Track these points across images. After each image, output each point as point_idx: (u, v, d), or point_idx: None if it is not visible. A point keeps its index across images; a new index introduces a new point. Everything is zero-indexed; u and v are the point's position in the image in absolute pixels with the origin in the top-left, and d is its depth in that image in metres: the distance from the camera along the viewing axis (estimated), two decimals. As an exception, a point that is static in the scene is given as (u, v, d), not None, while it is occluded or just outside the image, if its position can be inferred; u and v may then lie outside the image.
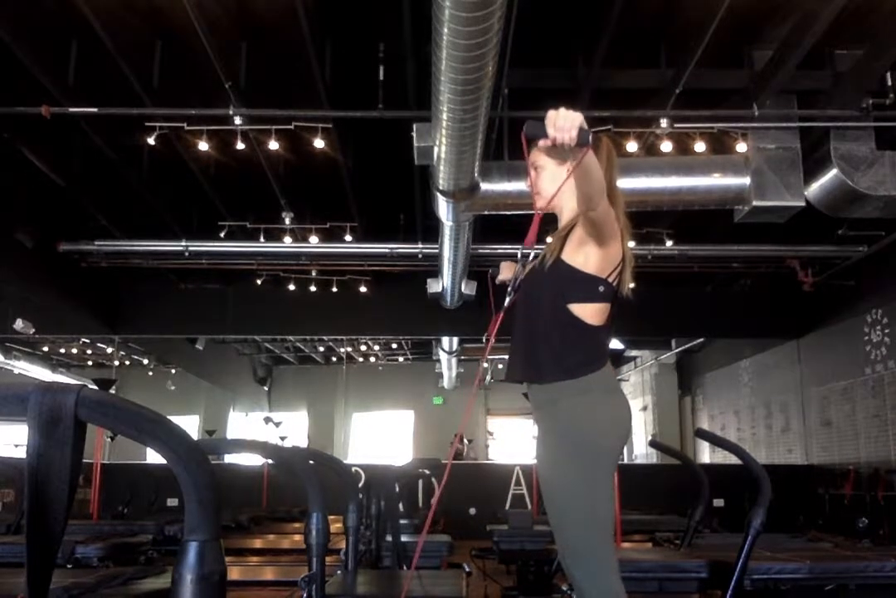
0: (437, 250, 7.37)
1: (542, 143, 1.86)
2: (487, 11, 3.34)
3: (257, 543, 5.70)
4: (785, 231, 6.90)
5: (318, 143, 5.78)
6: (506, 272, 2.50)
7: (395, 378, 15.83)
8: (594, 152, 2.29)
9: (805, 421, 10.12)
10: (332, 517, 2.30)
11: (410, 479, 6.28)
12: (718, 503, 8.04)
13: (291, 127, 5.63)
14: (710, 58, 4.92)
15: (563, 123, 1.79)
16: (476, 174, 5.32)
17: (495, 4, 3.33)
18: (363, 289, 9.51)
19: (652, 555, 3.89)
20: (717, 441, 3.89)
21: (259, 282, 9.41)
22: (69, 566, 3.77)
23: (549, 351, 2.21)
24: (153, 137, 5.75)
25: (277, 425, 10.72)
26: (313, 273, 9.19)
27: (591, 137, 1.81)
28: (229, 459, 10.14)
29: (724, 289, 10.14)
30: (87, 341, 12.22)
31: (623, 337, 12.14)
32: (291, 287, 9.49)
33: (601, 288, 2.20)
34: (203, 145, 5.88)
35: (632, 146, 5.69)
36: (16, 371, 12.10)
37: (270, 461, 5.37)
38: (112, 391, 8.08)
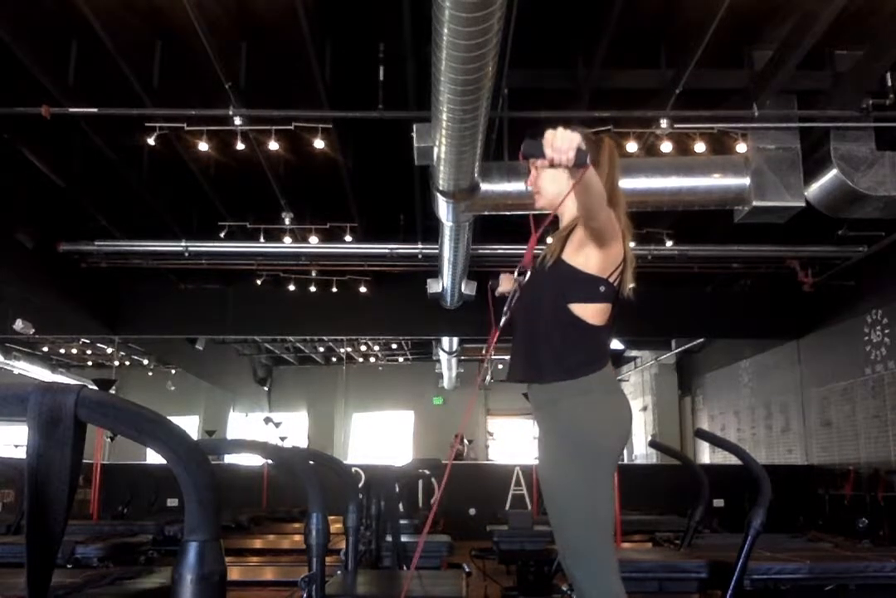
0: (437, 251, 7.37)
1: (539, 163, 1.86)
2: (487, 12, 3.34)
3: (257, 543, 5.70)
4: (785, 231, 6.91)
5: (318, 143, 5.78)
6: (505, 284, 2.50)
7: (395, 378, 15.83)
8: (597, 153, 2.30)
9: (805, 421, 10.12)
10: (332, 517, 2.30)
11: (410, 479, 6.28)
12: (718, 503, 8.04)
13: (291, 127, 5.63)
14: (710, 58, 4.91)
15: (561, 144, 1.79)
16: (476, 175, 5.31)
17: (495, 5, 3.33)
18: (363, 289, 9.51)
19: (652, 555, 3.90)
20: (716, 442, 3.89)
21: (259, 282, 9.40)
22: (69, 566, 3.77)
23: (549, 351, 2.21)
24: (153, 138, 5.75)
25: (277, 425, 10.71)
26: (313, 273, 9.19)
27: (588, 158, 1.81)
28: (229, 459, 10.13)
29: (724, 289, 10.14)
30: (87, 341, 12.21)
31: (623, 337, 12.14)
32: (291, 287, 9.49)
33: (602, 288, 2.20)
34: (203, 146, 5.88)
35: (632, 147, 5.69)
36: (16, 372, 12.10)
37: (270, 462, 5.37)
38: (112, 392, 8.08)
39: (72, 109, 5.16)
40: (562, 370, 2.18)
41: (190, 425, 13.45)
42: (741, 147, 5.65)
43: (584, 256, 2.18)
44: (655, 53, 5.48)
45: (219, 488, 0.95)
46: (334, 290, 9.49)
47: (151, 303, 9.93)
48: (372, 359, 15.79)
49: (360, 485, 6.32)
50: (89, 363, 13.59)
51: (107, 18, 4.74)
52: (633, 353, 15.41)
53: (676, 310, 9.96)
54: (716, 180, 5.61)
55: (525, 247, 2.29)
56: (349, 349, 14.87)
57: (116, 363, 12.22)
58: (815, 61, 5.20)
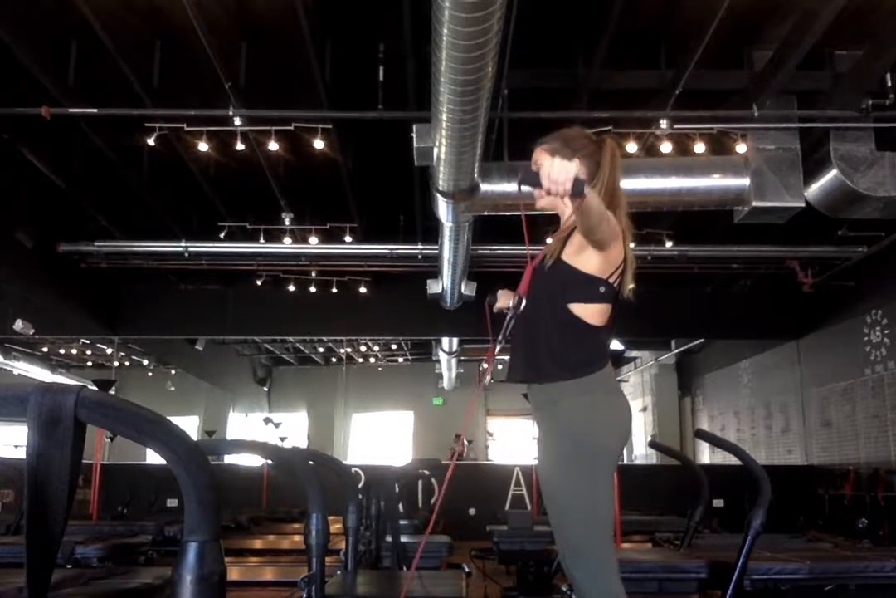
0: (436, 251, 7.37)
1: (536, 193, 1.88)
2: (487, 12, 3.34)
3: (257, 543, 5.70)
4: (785, 232, 6.91)
5: (318, 143, 5.77)
6: (503, 300, 2.49)
7: (395, 379, 15.82)
8: (598, 153, 2.30)
9: (805, 422, 10.12)
10: (331, 517, 2.30)
11: (410, 480, 6.28)
12: (718, 503, 8.03)
13: (291, 128, 5.63)
14: (710, 58, 4.91)
15: (557, 175, 1.80)
16: (476, 175, 5.31)
17: (495, 5, 3.33)
18: (363, 290, 9.51)
19: (652, 556, 3.90)
20: (716, 442, 3.90)
21: (259, 283, 9.40)
22: (69, 566, 3.76)
23: (549, 351, 2.21)
24: (153, 138, 5.75)
25: (277, 425, 10.71)
26: (313, 274, 9.19)
27: (585, 188, 1.82)
28: (229, 459, 10.13)
29: (723, 290, 10.13)
30: (87, 341, 12.21)
31: (623, 338, 12.14)
32: (291, 288, 9.49)
33: (602, 289, 2.20)
34: (203, 146, 5.88)
35: (631, 147, 5.68)
36: (15, 372, 12.09)
37: (270, 462, 5.37)
38: (112, 392, 8.08)
39: (72, 110, 5.16)
40: (561, 371, 2.19)
41: (190, 425, 13.44)
42: (741, 147, 5.65)
43: (585, 257, 2.18)
44: (655, 54, 5.47)
45: (218, 488, 0.95)
46: (334, 290, 9.49)
47: (151, 303, 9.93)
48: (372, 359, 15.79)
49: (360, 485, 6.33)
50: (89, 364, 13.58)
51: (106, 18, 4.74)
52: (633, 353, 15.41)
53: (676, 310, 9.96)
54: (715, 181, 5.61)
55: (523, 247, 2.29)
56: (349, 350, 14.87)
57: (116, 364, 12.22)
58: (815, 61, 5.19)
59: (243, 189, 7.31)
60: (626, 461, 13.16)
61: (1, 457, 8.52)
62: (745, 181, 5.58)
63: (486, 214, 6.09)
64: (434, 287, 8.66)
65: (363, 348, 14.95)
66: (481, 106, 4.24)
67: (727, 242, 7.91)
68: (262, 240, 7.88)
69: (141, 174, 6.79)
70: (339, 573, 3.04)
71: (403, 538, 3.82)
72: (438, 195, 5.54)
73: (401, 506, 4.67)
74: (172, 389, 13.80)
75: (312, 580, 2.20)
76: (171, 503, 8.23)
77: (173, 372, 13.92)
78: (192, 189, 7.12)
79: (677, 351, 13.65)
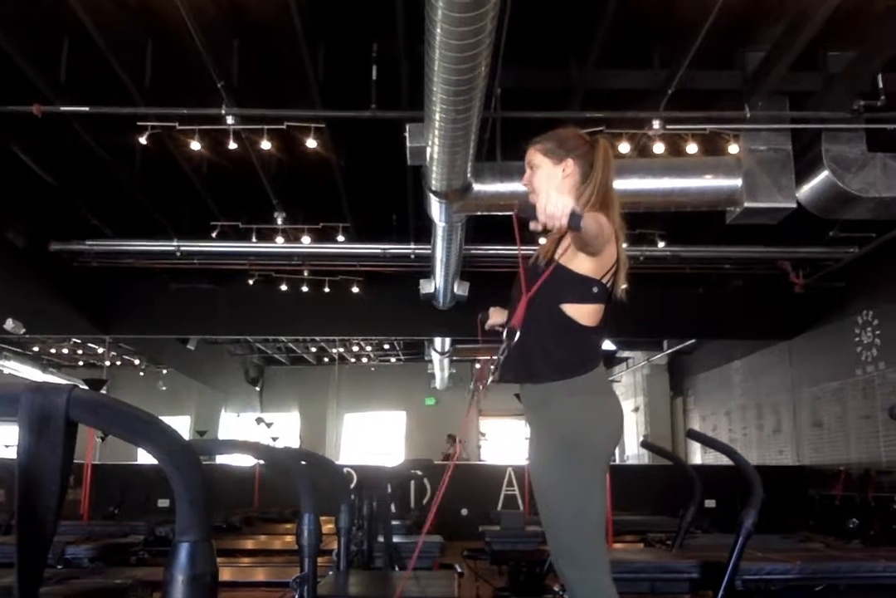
0: (429, 251, 7.37)
1: (532, 225, 1.88)
2: (480, 12, 3.34)
3: (249, 544, 5.69)
4: (776, 233, 6.92)
5: (311, 143, 5.77)
6: (495, 317, 2.50)
7: (388, 379, 15.80)
8: (591, 153, 2.31)
9: (796, 422, 10.16)
10: (323, 517, 2.29)
11: (402, 480, 6.27)
12: (710, 503, 8.06)
13: (284, 127, 5.62)
14: (703, 59, 4.92)
15: (554, 210, 1.80)
16: (469, 175, 5.31)
17: (488, 5, 3.33)
18: (355, 289, 9.49)
19: (643, 556, 3.90)
20: (708, 442, 3.90)
21: (251, 282, 9.38)
22: (60, 566, 3.75)
23: (541, 352, 2.21)
24: (145, 137, 5.73)
25: (269, 425, 10.70)
26: (305, 273, 9.16)
27: (582, 222, 1.82)
28: (221, 459, 10.11)
29: (716, 290, 10.15)
30: (78, 341, 12.17)
31: (615, 338, 12.14)
32: (283, 287, 9.47)
33: (595, 289, 2.20)
34: (195, 145, 5.86)
35: (624, 147, 5.69)
36: (6, 371, 12.06)
37: (262, 462, 5.36)
38: (103, 392, 8.05)
39: (63, 108, 5.14)
40: (554, 371, 2.19)
41: (181, 425, 13.42)
42: (733, 148, 5.66)
43: (578, 258, 2.18)
44: (648, 54, 5.48)
45: (210, 488, 0.94)
46: (326, 290, 9.47)
47: (143, 303, 9.89)
48: (364, 359, 15.77)
49: (352, 486, 6.31)
50: (80, 363, 13.55)
51: (98, 17, 4.71)
52: (625, 354, 15.43)
53: (668, 311, 9.97)
54: (708, 181, 5.62)
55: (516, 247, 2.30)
56: (341, 350, 14.85)
57: (107, 363, 12.19)
58: (808, 62, 5.21)
59: (235, 188, 7.29)
60: (618, 462, 13.19)
61: (-9, 457, 8.49)
62: (738, 182, 5.59)
63: (478, 213, 6.09)
64: (427, 287, 8.66)
65: (355, 348, 14.93)
66: (474, 106, 4.24)
67: (719, 242, 7.92)
68: (254, 239, 7.86)
69: (133, 173, 6.76)
70: (331, 573, 3.04)
71: (395, 539, 3.82)
72: (431, 195, 5.54)
73: (393, 506, 4.67)
74: (164, 388, 13.77)
75: (304, 581, 2.19)
76: (163, 503, 8.22)
77: (165, 372, 13.88)
78: (184, 188, 7.10)
79: (669, 351, 13.68)
